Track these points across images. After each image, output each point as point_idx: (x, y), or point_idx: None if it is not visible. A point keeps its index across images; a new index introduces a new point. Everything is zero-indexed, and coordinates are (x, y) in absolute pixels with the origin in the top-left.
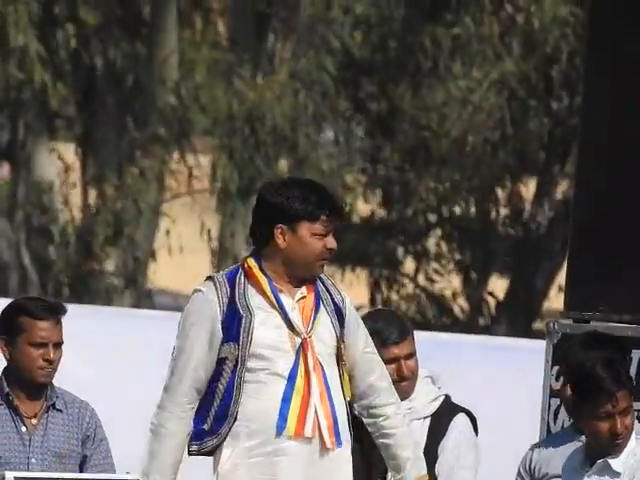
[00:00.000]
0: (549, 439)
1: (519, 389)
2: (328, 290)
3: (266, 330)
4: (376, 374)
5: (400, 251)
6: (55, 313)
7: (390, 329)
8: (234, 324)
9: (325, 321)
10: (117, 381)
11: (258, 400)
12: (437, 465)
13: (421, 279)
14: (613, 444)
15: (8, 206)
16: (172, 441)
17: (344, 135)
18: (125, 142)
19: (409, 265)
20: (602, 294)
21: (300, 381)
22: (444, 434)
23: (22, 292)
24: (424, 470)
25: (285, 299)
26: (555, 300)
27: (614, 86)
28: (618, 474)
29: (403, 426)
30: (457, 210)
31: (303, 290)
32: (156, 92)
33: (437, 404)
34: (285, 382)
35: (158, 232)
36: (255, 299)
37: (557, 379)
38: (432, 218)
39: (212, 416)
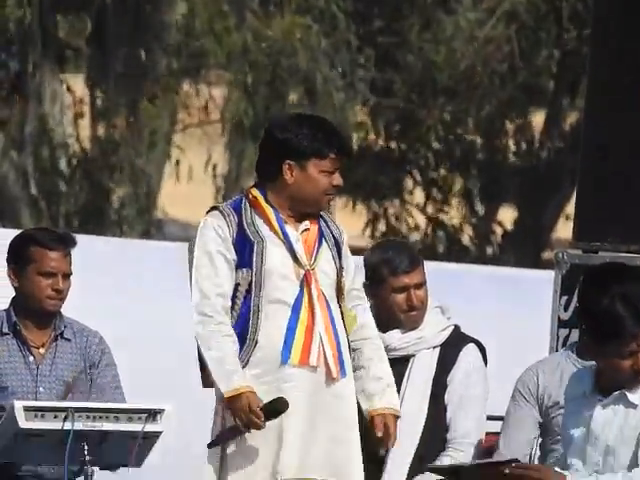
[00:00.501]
0: (549, 362)
1: (528, 319)
2: (327, 224)
3: (275, 258)
4: (360, 310)
5: (409, 182)
6: (65, 244)
7: (400, 258)
8: (246, 250)
9: (327, 255)
10: (127, 310)
11: (265, 328)
12: (446, 395)
13: (430, 210)
14: (636, 380)
15: (18, 139)
16: (232, 352)
17: (353, 69)
18: (136, 73)
19: (418, 196)
20: (611, 224)
21: (304, 311)
22: (453, 364)
23: (32, 224)
24: (395, 405)
25: (290, 230)
26: (564, 230)
27: (623, 16)
28: (635, 406)
29: (379, 358)
30: (466, 141)
31: (306, 223)
32: (169, 23)
33: (446, 334)
34: (289, 312)
35: (168, 164)
36: (264, 229)
37: (565, 309)
38: (441, 149)
39: None
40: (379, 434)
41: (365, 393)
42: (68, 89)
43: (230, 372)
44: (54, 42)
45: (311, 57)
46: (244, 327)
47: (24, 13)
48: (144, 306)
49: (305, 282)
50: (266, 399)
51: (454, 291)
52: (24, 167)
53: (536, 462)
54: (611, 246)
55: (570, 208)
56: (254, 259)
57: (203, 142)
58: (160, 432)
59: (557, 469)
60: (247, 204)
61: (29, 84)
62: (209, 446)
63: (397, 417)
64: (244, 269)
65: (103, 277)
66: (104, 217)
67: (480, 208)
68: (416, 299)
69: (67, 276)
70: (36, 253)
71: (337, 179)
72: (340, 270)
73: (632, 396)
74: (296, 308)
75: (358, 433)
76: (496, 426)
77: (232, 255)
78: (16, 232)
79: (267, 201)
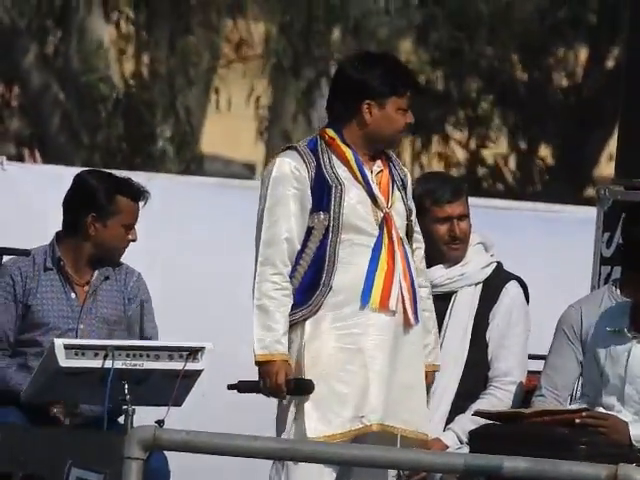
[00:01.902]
0: (593, 300)
1: (570, 256)
2: (395, 165)
3: (354, 201)
4: (417, 255)
5: (451, 118)
6: (144, 197)
7: (444, 188)
8: (324, 193)
9: (399, 196)
10: (169, 248)
11: (346, 272)
12: (488, 331)
13: (472, 145)
14: None
15: (60, 73)
16: (282, 310)
17: (394, 3)
18: (178, 10)
19: (460, 130)
20: None
21: (384, 255)
22: (496, 300)
23: (76, 160)
24: (438, 362)
25: (367, 172)
26: (606, 167)
27: None
28: None
29: (431, 311)
30: (507, 76)
31: (379, 164)
32: None
33: (489, 270)
34: (370, 255)
35: (210, 99)
36: (343, 172)
37: (607, 246)
38: (483, 84)
39: (297, 286)
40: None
41: None
42: (112, 24)
43: (272, 333)
44: None
45: None
46: (318, 271)
47: None
48: (185, 245)
49: (385, 225)
50: (345, 342)
51: (497, 228)
52: (65, 102)
53: (577, 402)
54: None
55: (612, 145)
56: (332, 203)
57: (245, 77)
58: (201, 370)
59: (618, 416)
60: (323, 145)
61: (73, 18)
62: (229, 387)
63: (436, 371)
64: (321, 213)
65: (144, 213)
66: (146, 153)
67: (522, 144)
68: (459, 230)
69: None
70: (123, 205)
71: (410, 117)
72: (409, 212)
73: None
74: (376, 251)
75: (424, 378)
76: (538, 365)
77: (308, 198)
78: (68, 169)
79: (344, 142)
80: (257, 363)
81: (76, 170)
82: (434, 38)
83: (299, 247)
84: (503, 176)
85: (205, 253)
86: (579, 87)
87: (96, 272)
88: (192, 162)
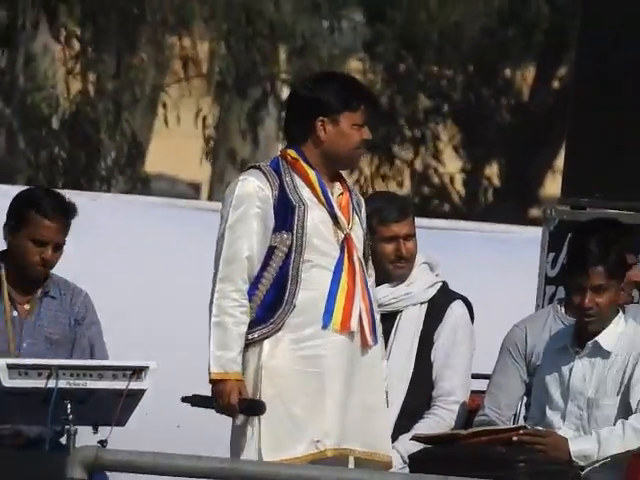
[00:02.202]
0: (537, 319)
1: (515, 276)
2: (350, 190)
3: (317, 222)
4: (371, 280)
5: (398, 137)
6: (65, 215)
7: (390, 207)
8: (287, 213)
9: (357, 221)
10: (115, 269)
11: (308, 292)
12: (433, 350)
13: (418, 165)
14: (582, 320)
15: (5, 91)
16: (240, 329)
17: (341, 23)
18: (125, 28)
19: (407, 151)
20: (599, 181)
21: (345, 276)
22: (441, 320)
23: (19, 178)
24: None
25: (329, 193)
26: (552, 187)
27: None
28: (609, 353)
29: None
30: (455, 96)
31: (339, 187)
32: None
33: (434, 290)
34: (331, 276)
35: (155, 118)
36: (306, 192)
37: (552, 266)
38: (430, 104)
39: (258, 305)
40: None
41: None
42: (58, 42)
43: (228, 352)
44: None
45: (295, 10)
46: (280, 291)
47: None
48: (131, 264)
49: (346, 246)
50: (304, 364)
51: (443, 248)
52: (11, 120)
53: (521, 421)
54: (599, 202)
55: (559, 165)
56: (295, 223)
57: (191, 96)
58: (144, 390)
59: (559, 433)
60: (286, 165)
61: (19, 36)
62: (183, 400)
63: None
64: (284, 232)
65: (89, 233)
66: (91, 172)
67: (468, 164)
68: (405, 250)
69: (59, 246)
70: (32, 218)
71: (367, 132)
72: (366, 237)
73: (605, 343)
74: (337, 272)
75: (385, 400)
76: (482, 384)
77: (271, 217)
78: (8, 188)
79: (307, 162)
80: (211, 381)
81: (20, 188)
82: (382, 57)
83: (259, 266)
84: (449, 196)
85: (152, 272)
86: (526, 106)
87: (39, 290)
88: (138, 181)
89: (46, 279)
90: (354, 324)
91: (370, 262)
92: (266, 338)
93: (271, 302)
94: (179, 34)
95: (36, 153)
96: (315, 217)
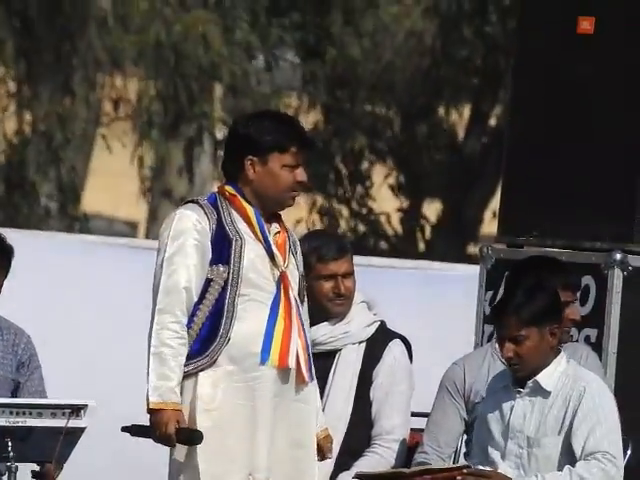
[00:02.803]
0: (475, 357)
1: (453, 314)
2: (287, 230)
3: (254, 257)
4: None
5: (333, 175)
6: None
7: (329, 246)
8: (224, 246)
9: (293, 261)
10: (53, 307)
11: (243, 326)
12: (371, 390)
13: (354, 203)
14: (508, 367)
15: None
16: (179, 360)
17: (275, 62)
18: (60, 68)
19: (343, 189)
20: (536, 219)
21: (282, 312)
22: (379, 360)
23: None
24: (324, 425)
25: (266, 230)
26: (489, 225)
27: (551, 11)
28: (549, 393)
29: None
30: (390, 134)
31: (276, 225)
32: (90, 19)
33: (372, 329)
34: (267, 311)
35: (91, 157)
36: (244, 227)
37: (490, 304)
38: (365, 142)
39: (194, 338)
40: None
41: None
42: None
43: (167, 382)
44: None
45: (230, 51)
46: (215, 323)
47: None
48: (68, 302)
49: (282, 283)
50: (238, 396)
51: (380, 286)
52: None
53: (461, 459)
54: (536, 241)
55: (496, 203)
56: (232, 256)
57: (126, 135)
58: (84, 428)
59: (504, 472)
60: (223, 200)
61: None
62: (122, 429)
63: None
64: (220, 265)
65: (27, 272)
66: (29, 211)
67: (405, 202)
68: (344, 288)
69: None
70: None
71: (301, 175)
72: (302, 277)
73: (545, 382)
74: (274, 308)
75: (315, 438)
76: (421, 423)
77: (208, 250)
78: None
79: (245, 198)
80: (149, 410)
81: None
82: (316, 96)
83: (196, 298)
84: (386, 234)
85: (91, 311)
86: (462, 145)
87: None
88: (75, 220)
89: None
90: (291, 361)
91: (305, 305)
92: (201, 370)
93: (206, 335)
94: (110, 73)
95: None
96: (252, 252)
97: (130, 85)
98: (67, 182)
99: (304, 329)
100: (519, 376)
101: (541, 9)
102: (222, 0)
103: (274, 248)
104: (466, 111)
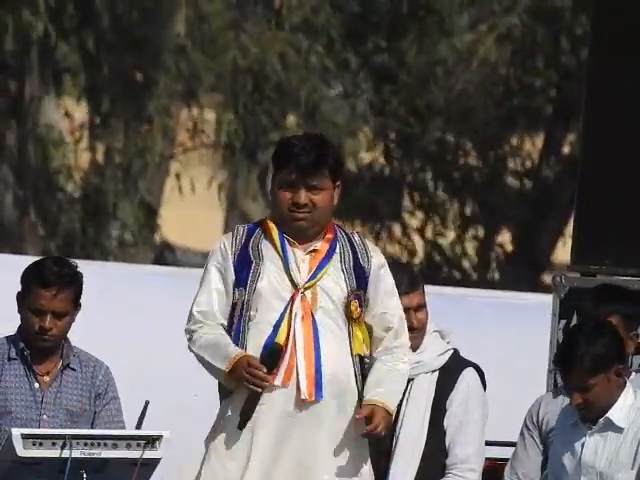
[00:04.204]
0: (557, 392)
1: (527, 343)
2: (354, 250)
3: (271, 278)
4: (389, 334)
5: (407, 204)
6: (63, 282)
7: (400, 279)
8: (244, 270)
9: (336, 276)
10: (132, 339)
11: (249, 348)
12: (445, 419)
13: (429, 233)
14: (579, 413)
15: (16, 163)
16: (219, 329)
17: (352, 89)
18: (132, 98)
19: (417, 218)
20: (609, 248)
21: (282, 331)
22: (452, 388)
23: (33, 251)
24: (390, 406)
25: (292, 250)
26: (562, 254)
27: (622, 39)
28: (621, 429)
29: (387, 370)
30: (464, 164)
31: (317, 244)
32: (163, 46)
33: (445, 358)
34: (270, 331)
35: (167, 186)
36: (268, 250)
37: (564, 332)
38: (439, 171)
39: None
40: (357, 416)
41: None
42: (66, 114)
43: (223, 349)
44: (51, 65)
45: (306, 77)
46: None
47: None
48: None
49: (292, 301)
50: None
51: (454, 315)
52: (23, 192)
53: None
54: (609, 269)
55: (569, 231)
56: (249, 279)
57: (202, 164)
58: (159, 459)
59: None
60: (263, 226)
61: (27, 107)
62: (239, 427)
63: (388, 413)
64: (241, 289)
65: (103, 304)
66: (105, 242)
67: (479, 232)
68: (416, 321)
69: (59, 315)
70: (32, 288)
71: (298, 197)
72: (350, 292)
73: (616, 418)
74: (276, 327)
75: (327, 458)
76: (495, 452)
77: (230, 274)
78: (17, 258)
79: (273, 221)
80: (229, 377)
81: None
82: (389, 124)
83: (222, 319)
84: (460, 263)
85: (164, 344)
86: (535, 173)
87: (59, 362)
88: (152, 250)
89: (64, 346)
90: (279, 379)
91: (387, 315)
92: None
93: None
94: (187, 103)
95: (47, 224)
96: (271, 272)
97: (206, 113)
98: (143, 212)
99: (317, 345)
100: (588, 418)
101: (612, 37)
102: (297, 25)
103: (293, 267)
104: (539, 140)
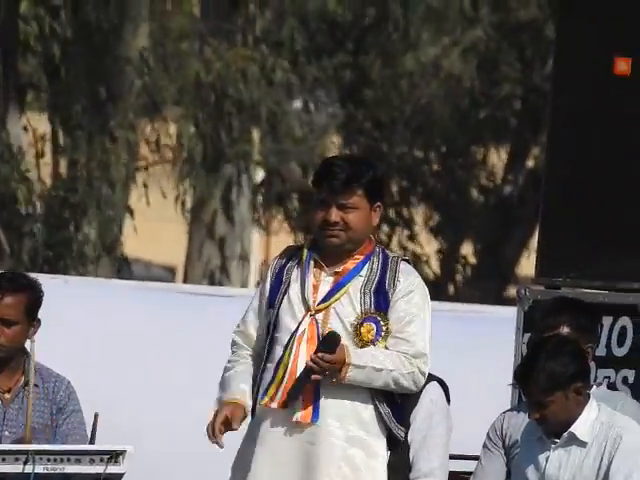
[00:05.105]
0: (520, 406)
1: (491, 356)
2: (384, 272)
3: (292, 299)
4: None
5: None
6: (9, 286)
7: None
8: (276, 290)
9: (353, 298)
10: (94, 353)
11: (267, 371)
12: (410, 433)
13: (394, 245)
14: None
15: None
16: (243, 362)
17: (314, 104)
18: (96, 111)
19: (382, 231)
20: (573, 261)
21: (287, 352)
22: (416, 402)
23: None
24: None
25: (318, 270)
26: (526, 267)
27: (587, 52)
28: (585, 443)
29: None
30: (428, 176)
31: (347, 265)
32: (126, 61)
33: None
34: (281, 352)
35: (130, 200)
36: (296, 271)
37: (528, 347)
38: (404, 185)
39: None
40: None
41: None
42: (25, 128)
43: (223, 390)
44: (14, 80)
45: (268, 91)
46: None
47: None
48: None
49: (300, 325)
50: (248, 439)
51: None
52: None
53: None
54: (574, 282)
55: (534, 244)
56: (277, 300)
57: (164, 179)
58: (122, 474)
59: None
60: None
61: None
62: (284, 406)
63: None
64: (270, 309)
65: (66, 317)
66: (68, 256)
67: (443, 244)
68: None
69: (7, 322)
70: None
71: (329, 215)
72: (363, 315)
73: (580, 433)
74: (285, 348)
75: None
76: (459, 465)
77: (265, 294)
78: None
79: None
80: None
81: None
82: (354, 138)
83: (252, 340)
84: (424, 275)
85: (128, 355)
86: (500, 186)
87: (21, 379)
88: (114, 264)
89: (25, 361)
90: (275, 402)
91: (401, 340)
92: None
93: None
94: (150, 117)
95: (10, 238)
96: (292, 293)
97: (169, 127)
98: (106, 226)
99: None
100: (549, 432)
101: (577, 50)
102: (260, 39)
103: (307, 288)
104: (505, 152)
